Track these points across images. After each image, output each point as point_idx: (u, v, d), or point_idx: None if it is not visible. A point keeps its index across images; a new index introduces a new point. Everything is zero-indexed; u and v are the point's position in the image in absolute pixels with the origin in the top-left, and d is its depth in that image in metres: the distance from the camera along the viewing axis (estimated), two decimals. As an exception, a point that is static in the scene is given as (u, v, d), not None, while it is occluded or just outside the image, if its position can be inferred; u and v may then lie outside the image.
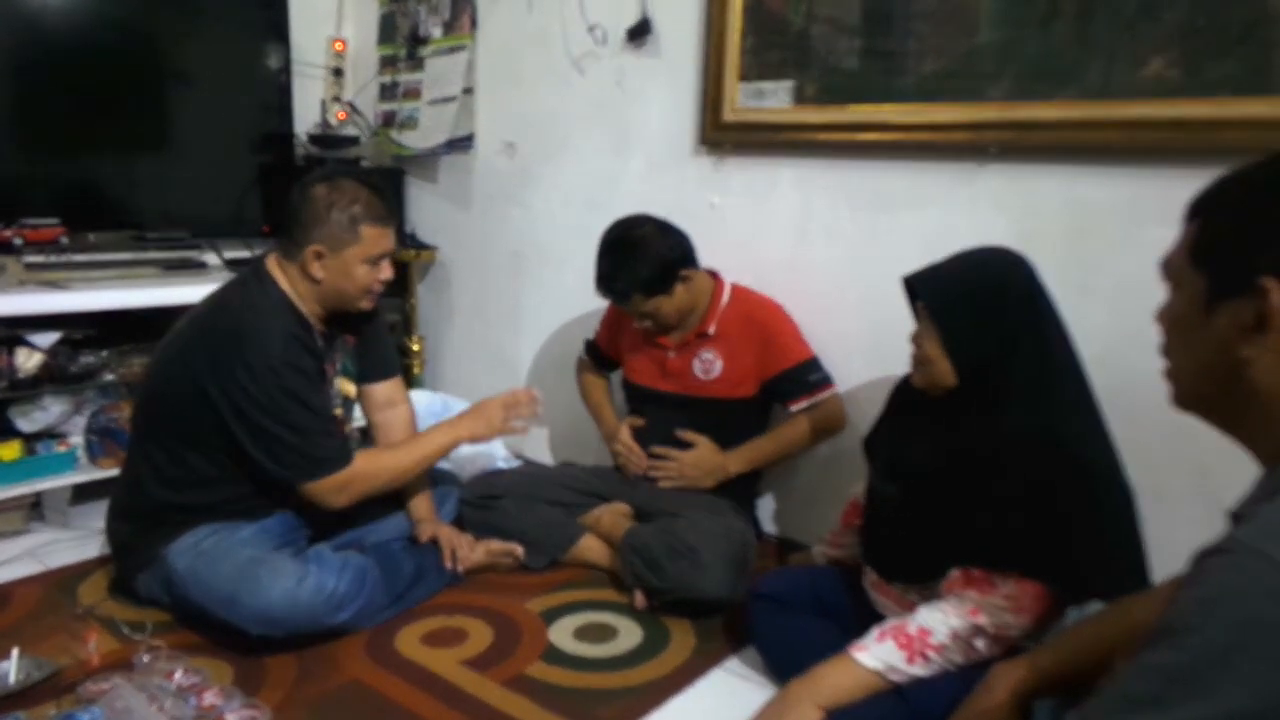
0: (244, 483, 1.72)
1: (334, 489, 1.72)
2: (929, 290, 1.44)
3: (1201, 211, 0.82)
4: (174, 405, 1.70)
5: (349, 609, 1.66)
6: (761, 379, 2.06)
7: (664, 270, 1.97)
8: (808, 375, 2.02)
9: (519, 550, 2.00)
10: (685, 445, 2.07)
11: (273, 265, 1.78)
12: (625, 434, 2.16)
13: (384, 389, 2.01)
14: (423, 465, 1.88)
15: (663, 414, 2.12)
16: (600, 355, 2.35)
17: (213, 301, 1.77)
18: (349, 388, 1.94)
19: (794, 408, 2.04)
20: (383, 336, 2.06)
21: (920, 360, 1.44)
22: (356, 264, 1.73)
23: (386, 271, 1.79)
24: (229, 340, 1.66)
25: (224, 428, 1.66)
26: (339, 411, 1.89)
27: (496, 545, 2.00)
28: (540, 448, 2.79)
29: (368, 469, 1.77)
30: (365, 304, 1.82)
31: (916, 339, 1.45)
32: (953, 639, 1.30)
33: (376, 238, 1.74)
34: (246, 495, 1.73)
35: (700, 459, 2.05)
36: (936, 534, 1.37)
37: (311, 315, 1.78)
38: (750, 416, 2.11)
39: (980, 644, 1.30)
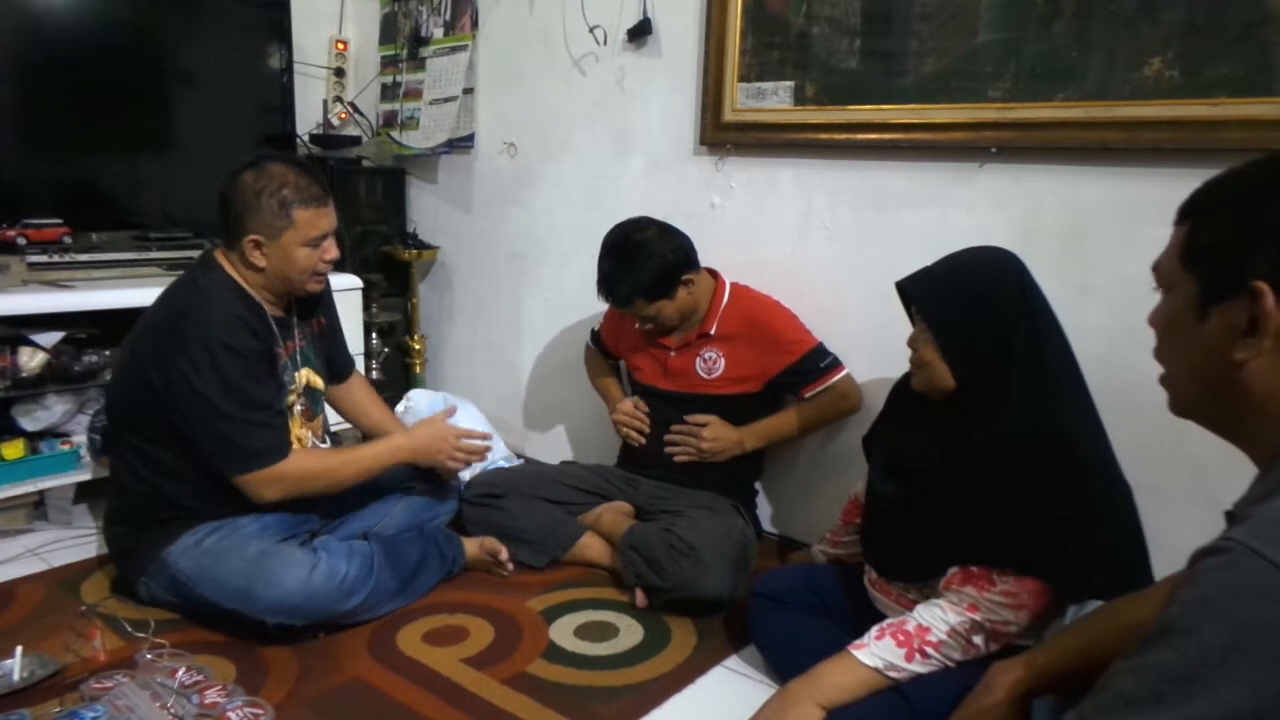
0: (214, 475, 1.70)
1: (264, 482, 1.68)
2: (921, 295, 1.44)
3: (1191, 215, 0.82)
4: (134, 402, 1.70)
5: (360, 593, 1.68)
6: (768, 376, 2.06)
7: (666, 274, 1.97)
8: (817, 363, 2.03)
9: (504, 554, 1.98)
10: (697, 428, 2.07)
11: (219, 255, 1.77)
12: (627, 404, 2.17)
13: (347, 387, 2.06)
14: (360, 477, 1.83)
15: (667, 412, 2.12)
16: (605, 348, 2.36)
17: (161, 295, 1.77)
18: (315, 379, 1.93)
19: (808, 394, 2.05)
20: (339, 332, 2.07)
21: (918, 364, 1.45)
22: (295, 248, 1.71)
23: (330, 252, 1.76)
24: (171, 325, 1.65)
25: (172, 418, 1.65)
26: (293, 401, 1.84)
27: (489, 542, 2.00)
28: (541, 447, 2.80)
29: (303, 470, 1.73)
30: (313, 286, 1.79)
31: (913, 343, 1.46)
32: (951, 635, 1.31)
33: (311, 219, 1.71)
34: (222, 488, 1.71)
35: (715, 434, 2.05)
36: (935, 533, 1.37)
37: (264, 301, 1.77)
38: (755, 412, 2.11)
39: (979, 640, 1.30)
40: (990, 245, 1.46)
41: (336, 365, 2.05)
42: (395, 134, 2.93)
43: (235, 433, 1.64)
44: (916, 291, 1.45)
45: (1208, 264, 0.78)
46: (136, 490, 1.74)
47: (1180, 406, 0.86)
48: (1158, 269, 0.85)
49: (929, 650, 1.31)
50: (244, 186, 1.68)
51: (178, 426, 1.65)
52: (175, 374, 1.61)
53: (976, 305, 1.38)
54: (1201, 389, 0.82)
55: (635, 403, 2.17)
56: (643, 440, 2.13)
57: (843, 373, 2.04)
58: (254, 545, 1.68)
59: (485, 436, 2.00)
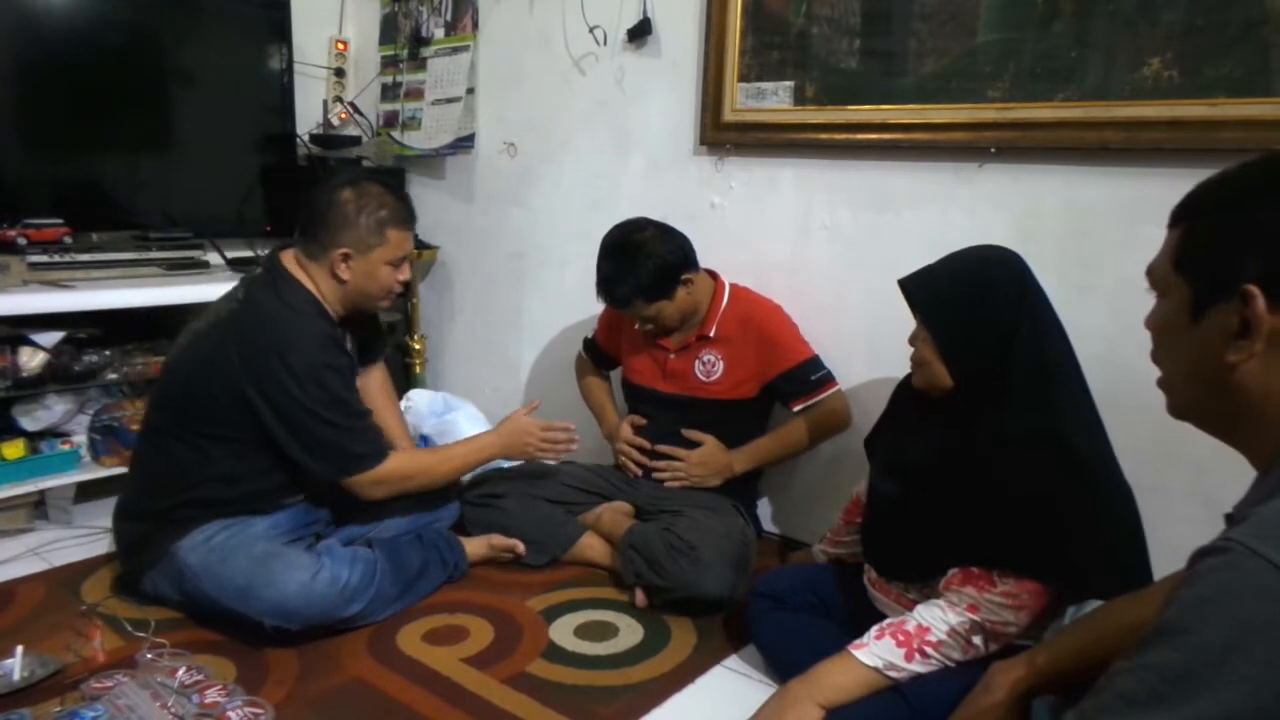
0: (269, 476, 1.76)
1: (371, 483, 1.77)
2: (921, 293, 1.44)
3: (1184, 218, 0.82)
4: (204, 406, 1.72)
5: (360, 600, 1.69)
6: (763, 380, 2.06)
7: (665, 275, 1.97)
8: (809, 374, 2.03)
9: (520, 547, 2.01)
10: (691, 444, 2.07)
11: (290, 264, 1.80)
12: (627, 432, 2.16)
13: (367, 377, 2.08)
14: (454, 475, 1.95)
15: (663, 415, 2.12)
16: (600, 353, 2.36)
17: (239, 303, 1.77)
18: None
19: (797, 408, 2.04)
20: (378, 319, 2.12)
21: (918, 362, 1.45)
22: (381, 266, 1.80)
23: (405, 273, 1.86)
24: (268, 344, 1.69)
25: (259, 426, 1.70)
26: None
27: (499, 540, 2.01)
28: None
29: (404, 470, 1.83)
30: (385, 303, 1.89)
31: (913, 340, 1.46)
32: (951, 635, 1.31)
33: (401, 241, 1.82)
34: (269, 488, 1.77)
35: (707, 457, 2.05)
36: (935, 532, 1.38)
37: (334, 313, 1.83)
38: (751, 417, 2.11)
39: (978, 640, 1.30)
40: (993, 244, 1.47)
41: (372, 352, 2.09)
42: (396, 134, 2.93)
43: (344, 440, 1.73)
44: (916, 289, 1.45)
45: (1200, 268, 0.79)
46: (176, 490, 1.74)
47: (1177, 409, 0.86)
48: (1151, 273, 0.85)
49: (928, 650, 1.31)
50: (344, 202, 1.76)
51: (275, 436, 1.70)
52: (280, 394, 1.67)
53: (975, 304, 1.38)
54: (1197, 391, 0.82)
55: (633, 422, 2.17)
56: (639, 472, 2.13)
57: (834, 389, 2.03)
58: (260, 545, 1.69)
59: (567, 428, 2.04)
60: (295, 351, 1.68)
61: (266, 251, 1.92)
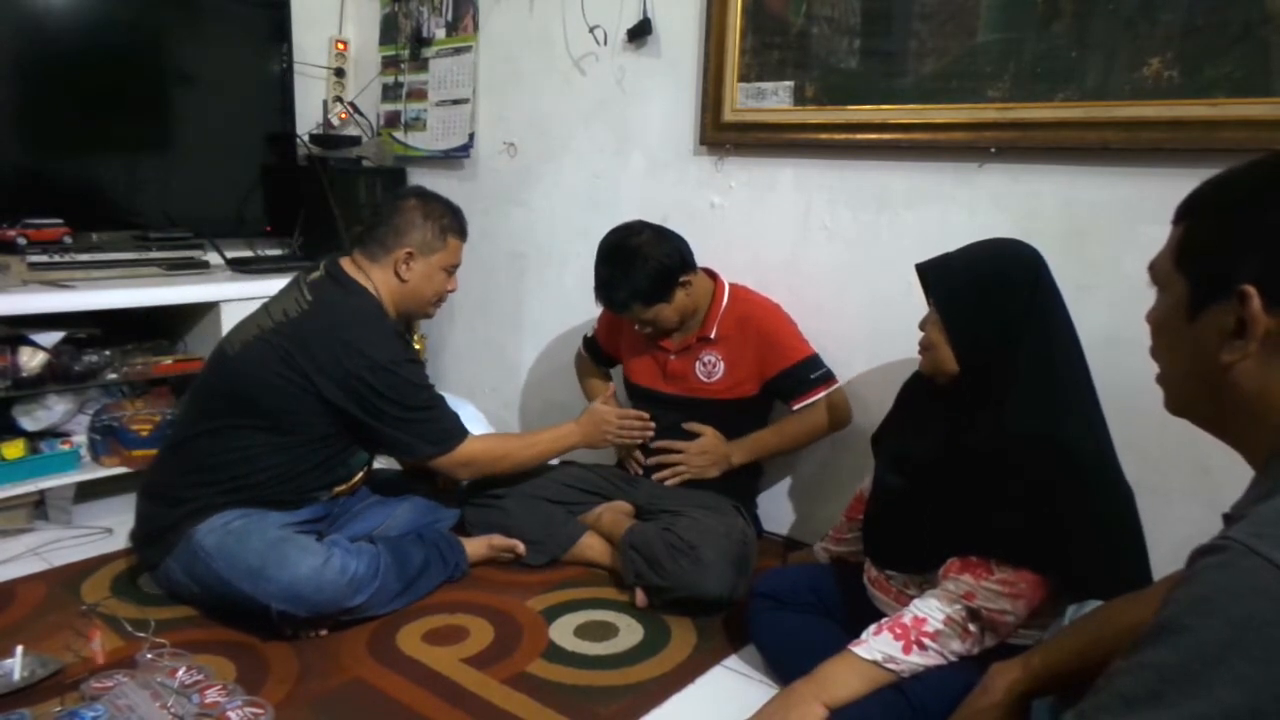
0: (315, 471, 1.82)
1: (461, 463, 1.90)
2: (934, 276, 1.46)
3: (1187, 215, 0.82)
4: (273, 402, 1.76)
5: (365, 591, 1.71)
6: (763, 379, 2.06)
7: (663, 278, 1.97)
8: (808, 373, 2.03)
9: (520, 547, 2.01)
10: (691, 437, 2.07)
11: (351, 269, 1.88)
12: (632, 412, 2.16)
13: None
14: (537, 461, 2.06)
15: (665, 415, 2.12)
16: (599, 352, 2.36)
17: (309, 304, 1.80)
18: None
19: (797, 406, 2.04)
20: None
21: (925, 345, 1.47)
22: (438, 270, 1.92)
23: (454, 284, 1.99)
24: (350, 344, 1.76)
25: (331, 423, 1.78)
26: None
27: (499, 540, 2.02)
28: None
29: (490, 453, 1.96)
30: (431, 310, 2.00)
31: (924, 324, 1.48)
32: (948, 624, 1.31)
33: (457, 249, 1.96)
34: (310, 483, 1.83)
35: (706, 446, 2.05)
36: (937, 525, 1.38)
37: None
38: (752, 416, 2.11)
39: (974, 628, 1.31)
40: (1016, 239, 1.48)
41: None
42: (399, 134, 2.93)
43: (433, 419, 1.86)
44: (932, 272, 1.47)
45: (1199, 266, 0.79)
46: (212, 475, 1.76)
47: (1174, 405, 0.86)
48: (1153, 268, 0.85)
49: (926, 641, 1.31)
50: (412, 209, 1.90)
51: (366, 428, 1.81)
52: (370, 392, 1.77)
53: (985, 290, 1.40)
54: (1193, 389, 0.82)
55: (640, 417, 2.15)
56: (640, 471, 2.13)
57: (833, 387, 2.03)
58: (275, 531, 1.72)
59: (642, 416, 2.10)
60: (378, 348, 1.78)
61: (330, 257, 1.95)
